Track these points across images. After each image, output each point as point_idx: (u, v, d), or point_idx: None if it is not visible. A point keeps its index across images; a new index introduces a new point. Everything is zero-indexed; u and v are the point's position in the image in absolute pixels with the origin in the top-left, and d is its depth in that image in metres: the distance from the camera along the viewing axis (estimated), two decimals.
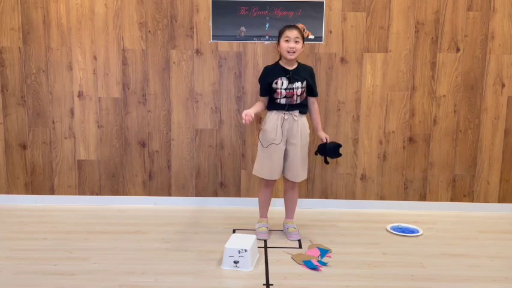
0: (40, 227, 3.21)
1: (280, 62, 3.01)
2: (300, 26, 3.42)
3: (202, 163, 3.69)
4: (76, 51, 3.55)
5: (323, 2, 3.48)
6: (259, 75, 3.08)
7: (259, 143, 3.03)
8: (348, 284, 2.45)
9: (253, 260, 2.64)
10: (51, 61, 3.56)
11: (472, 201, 3.71)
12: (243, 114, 2.80)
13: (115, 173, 3.69)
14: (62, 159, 3.67)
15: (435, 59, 3.54)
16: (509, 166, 3.66)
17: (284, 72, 2.95)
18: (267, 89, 2.98)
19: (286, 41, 2.90)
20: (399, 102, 3.60)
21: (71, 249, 2.83)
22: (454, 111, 3.61)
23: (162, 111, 3.62)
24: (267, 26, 3.51)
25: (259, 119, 3.56)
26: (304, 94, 2.99)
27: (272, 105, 2.99)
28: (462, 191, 3.70)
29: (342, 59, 3.55)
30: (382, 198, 3.71)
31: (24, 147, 3.65)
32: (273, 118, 2.97)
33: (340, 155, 3.07)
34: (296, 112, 2.96)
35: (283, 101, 2.95)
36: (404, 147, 3.65)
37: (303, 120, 3.01)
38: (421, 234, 3.17)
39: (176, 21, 3.52)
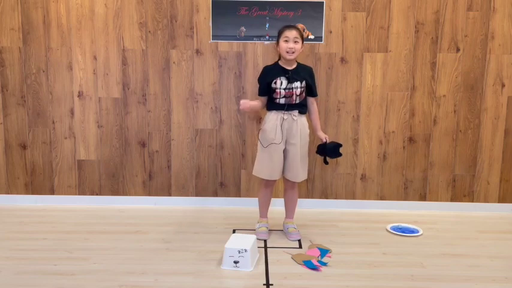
0: (40, 227, 3.21)
1: (280, 62, 3.01)
2: (300, 26, 3.43)
3: (202, 163, 3.69)
4: (76, 51, 3.55)
5: (323, 2, 3.48)
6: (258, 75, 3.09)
7: (259, 143, 3.03)
8: (348, 284, 2.45)
9: (253, 260, 2.64)
10: (51, 61, 3.56)
11: (472, 201, 3.71)
12: (241, 101, 2.96)
13: (115, 173, 3.69)
14: (62, 159, 3.67)
15: (435, 59, 3.54)
16: (509, 166, 3.66)
17: (283, 72, 2.95)
18: (265, 88, 2.99)
19: (286, 41, 2.90)
20: (399, 102, 3.60)
21: (71, 249, 2.83)
22: (454, 111, 3.61)
23: (162, 111, 3.62)
24: (267, 26, 3.51)
25: (258, 119, 3.56)
26: (304, 94, 2.99)
27: (271, 105, 3.00)
28: (462, 191, 3.70)
29: (342, 59, 3.55)
30: (382, 198, 3.71)
31: (24, 147, 3.65)
32: (273, 118, 2.97)
33: (340, 154, 3.07)
34: (295, 112, 2.96)
35: (282, 100, 2.95)
36: (404, 147, 3.65)
37: (302, 120, 3.01)
38: (421, 234, 3.17)
39: (176, 21, 3.52)
